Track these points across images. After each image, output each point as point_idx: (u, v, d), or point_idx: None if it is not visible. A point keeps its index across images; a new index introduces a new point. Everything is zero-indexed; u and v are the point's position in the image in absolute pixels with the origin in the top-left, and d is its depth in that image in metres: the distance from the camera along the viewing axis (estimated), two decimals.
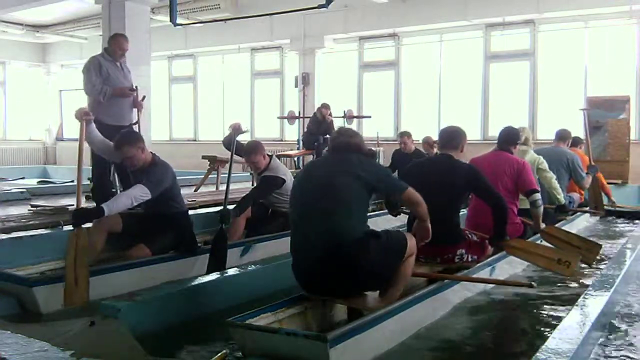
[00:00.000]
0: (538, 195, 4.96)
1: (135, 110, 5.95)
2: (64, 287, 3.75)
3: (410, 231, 3.75)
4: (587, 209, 7.12)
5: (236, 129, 5.34)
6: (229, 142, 5.33)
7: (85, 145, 4.41)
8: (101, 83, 5.71)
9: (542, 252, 4.24)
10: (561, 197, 5.99)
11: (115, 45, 5.89)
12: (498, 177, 4.85)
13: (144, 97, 6.04)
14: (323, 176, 3.29)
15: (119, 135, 4.52)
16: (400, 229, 4.01)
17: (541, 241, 5.14)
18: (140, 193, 4.21)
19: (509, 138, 5.24)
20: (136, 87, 5.97)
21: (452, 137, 4.31)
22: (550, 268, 4.21)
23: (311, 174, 3.45)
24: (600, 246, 4.71)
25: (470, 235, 4.29)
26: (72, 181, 9.77)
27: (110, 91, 5.68)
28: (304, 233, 3.26)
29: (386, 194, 3.86)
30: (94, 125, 4.57)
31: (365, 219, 3.30)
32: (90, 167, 5.86)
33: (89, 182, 6.18)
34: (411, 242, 3.43)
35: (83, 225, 4.04)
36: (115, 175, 5.91)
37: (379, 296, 3.33)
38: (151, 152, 4.54)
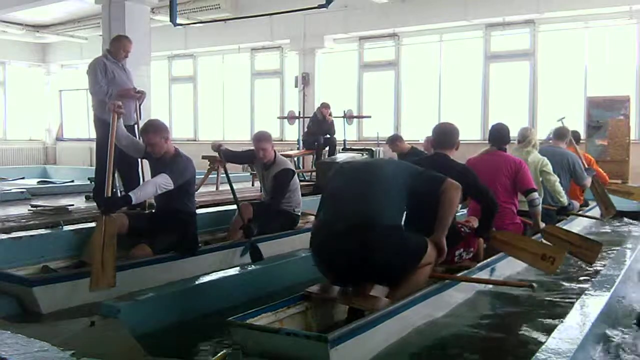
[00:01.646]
0: (536, 195, 4.95)
1: (137, 111, 5.98)
2: (91, 271, 3.85)
3: None
4: (589, 214, 7.07)
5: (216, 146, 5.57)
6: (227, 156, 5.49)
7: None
8: (107, 84, 5.74)
9: (527, 247, 4.18)
10: (564, 199, 5.97)
11: (120, 47, 5.92)
12: (496, 178, 4.84)
13: (142, 91, 6.07)
14: (368, 165, 3.53)
15: (148, 121, 4.74)
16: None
17: (541, 240, 5.14)
18: (163, 182, 4.33)
19: (503, 136, 5.22)
20: (142, 91, 6.03)
21: (448, 136, 4.24)
22: (533, 264, 4.17)
23: (357, 162, 3.67)
24: (601, 245, 4.70)
25: (462, 228, 4.29)
26: (72, 181, 9.80)
27: (115, 92, 5.73)
28: (335, 209, 3.36)
29: (427, 189, 3.49)
30: (122, 120, 4.72)
31: (399, 214, 3.32)
32: (92, 168, 5.89)
33: (89, 182, 6.19)
34: (431, 251, 3.42)
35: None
36: (118, 176, 5.96)
37: (386, 297, 3.34)
38: (175, 147, 4.66)
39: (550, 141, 7.14)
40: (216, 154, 5.76)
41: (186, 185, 4.57)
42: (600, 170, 7.62)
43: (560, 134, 6.95)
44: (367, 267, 3.21)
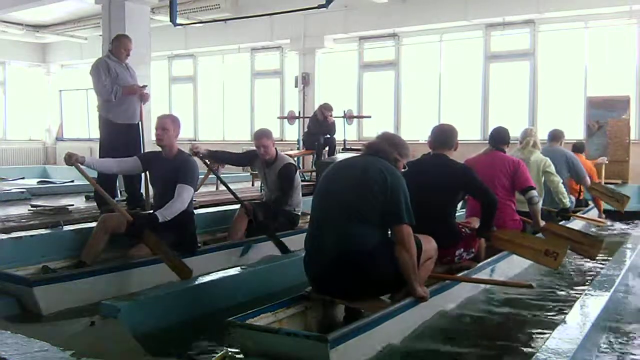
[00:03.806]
0: (534, 192, 4.97)
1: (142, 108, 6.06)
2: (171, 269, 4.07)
3: None
4: (589, 215, 7.08)
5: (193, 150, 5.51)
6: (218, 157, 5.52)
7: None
8: (111, 83, 5.77)
9: (528, 243, 4.17)
10: (566, 200, 5.97)
11: (121, 47, 5.96)
12: (495, 177, 4.86)
13: (145, 85, 6.15)
14: (348, 182, 3.26)
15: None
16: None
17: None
18: (187, 194, 4.46)
19: (502, 138, 5.26)
20: (145, 85, 6.12)
21: (447, 136, 4.26)
22: (537, 261, 4.16)
23: (339, 176, 3.38)
24: (602, 241, 4.70)
25: (464, 230, 4.29)
26: (72, 181, 9.79)
27: (120, 91, 5.77)
28: (322, 233, 3.26)
29: (382, 215, 3.21)
30: (92, 159, 4.80)
31: (381, 227, 3.24)
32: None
33: (89, 182, 6.20)
34: (428, 246, 3.42)
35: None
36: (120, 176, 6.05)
37: (390, 297, 3.33)
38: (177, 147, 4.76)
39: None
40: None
41: None
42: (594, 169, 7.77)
43: (554, 136, 7.09)
44: (368, 291, 3.22)
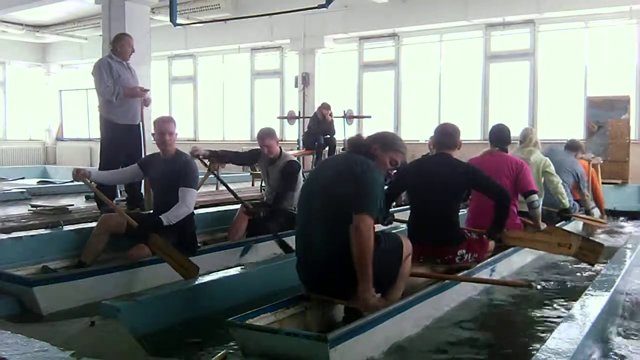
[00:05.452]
0: (536, 197, 4.96)
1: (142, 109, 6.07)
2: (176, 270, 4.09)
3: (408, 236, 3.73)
4: (589, 216, 7.08)
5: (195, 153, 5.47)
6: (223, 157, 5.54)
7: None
8: (113, 84, 5.76)
9: (541, 239, 4.23)
10: (566, 201, 5.97)
11: (126, 45, 5.96)
12: (497, 178, 4.83)
13: (147, 90, 6.16)
14: (327, 181, 3.24)
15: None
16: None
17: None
18: (191, 198, 4.49)
19: (504, 136, 5.24)
20: (147, 89, 6.12)
21: (450, 136, 4.27)
22: (552, 252, 4.19)
23: (319, 176, 3.40)
24: (602, 246, 4.69)
25: (469, 234, 4.29)
26: (72, 181, 9.79)
27: (122, 91, 5.77)
28: (309, 235, 3.25)
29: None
30: (96, 174, 4.83)
31: None
32: (92, 168, 5.93)
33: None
34: (406, 243, 3.42)
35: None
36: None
37: (381, 297, 3.33)
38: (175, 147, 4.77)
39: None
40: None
41: None
42: (599, 187, 7.64)
43: (571, 146, 7.10)
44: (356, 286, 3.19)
